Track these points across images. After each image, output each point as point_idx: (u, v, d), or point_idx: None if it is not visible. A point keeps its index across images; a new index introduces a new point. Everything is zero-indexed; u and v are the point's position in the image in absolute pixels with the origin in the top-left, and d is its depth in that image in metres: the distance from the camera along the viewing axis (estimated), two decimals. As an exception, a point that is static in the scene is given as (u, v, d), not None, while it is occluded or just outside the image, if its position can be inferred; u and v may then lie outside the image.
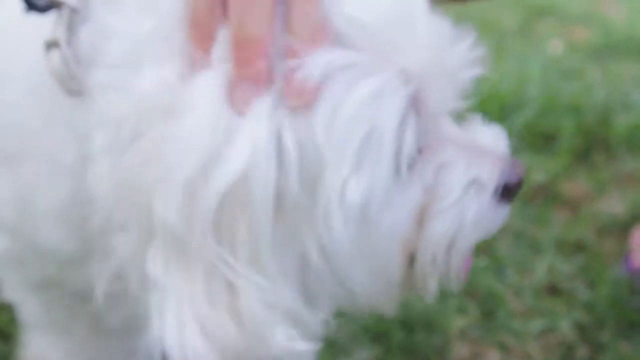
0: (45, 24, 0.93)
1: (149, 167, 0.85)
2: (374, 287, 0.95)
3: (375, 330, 1.54)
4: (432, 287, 0.99)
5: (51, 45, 0.91)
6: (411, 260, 0.96)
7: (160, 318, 0.88)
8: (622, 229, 1.85)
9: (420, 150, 0.93)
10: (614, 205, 1.93)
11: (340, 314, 1.52)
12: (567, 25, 2.93)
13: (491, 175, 0.97)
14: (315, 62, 0.85)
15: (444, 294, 1.59)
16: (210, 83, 0.85)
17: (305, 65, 0.85)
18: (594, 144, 2.13)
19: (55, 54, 0.91)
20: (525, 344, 1.54)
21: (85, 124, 0.92)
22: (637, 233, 1.77)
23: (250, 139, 0.84)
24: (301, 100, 0.85)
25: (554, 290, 1.69)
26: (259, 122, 0.84)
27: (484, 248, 1.75)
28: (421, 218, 0.94)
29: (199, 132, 0.84)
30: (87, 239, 1.00)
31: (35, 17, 0.93)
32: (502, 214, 0.99)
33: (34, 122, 0.98)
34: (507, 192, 0.98)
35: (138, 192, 0.86)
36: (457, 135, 0.98)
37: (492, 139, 1.00)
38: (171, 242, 0.86)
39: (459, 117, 0.99)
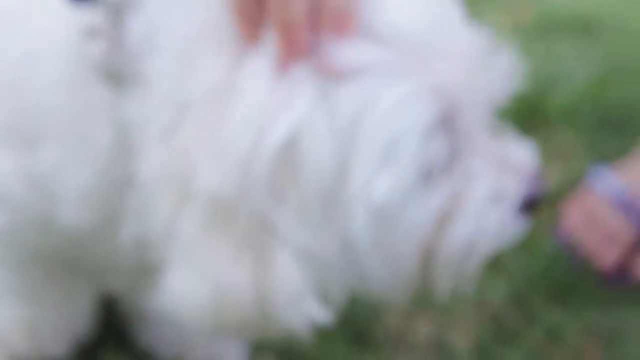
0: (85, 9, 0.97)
1: (204, 140, 0.90)
2: (390, 279, 0.98)
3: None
4: (445, 286, 1.02)
5: (92, 32, 0.96)
6: (427, 260, 0.99)
7: (175, 272, 0.93)
8: (557, 202, 1.86)
9: (451, 161, 0.97)
10: (548, 178, 1.94)
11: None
12: (512, 3, 2.93)
13: (516, 189, 1.01)
14: (349, 50, 0.91)
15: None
16: (259, 64, 0.90)
17: (341, 50, 0.91)
18: (533, 119, 2.14)
19: (95, 42, 0.97)
20: (458, 313, 1.55)
21: (129, 111, 0.96)
22: (568, 206, 1.79)
23: (298, 109, 0.89)
24: (337, 77, 0.90)
25: (486, 261, 1.69)
26: (305, 95, 0.90)
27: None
28: (443, 222, 0.98)
29: (250, 108, 0.89)
30: (113, 217, 1.03)
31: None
32: (521, 225, 1.03)
33: (65, 107, 1.01)
34: (528, 204, 1.02)
35: (186, 162, 0.91)
36: (488, 147, 1.01)
37: (521, 153, 1.05)
38: (211, 208, 0.90)
39: (494, 126, 1.03)
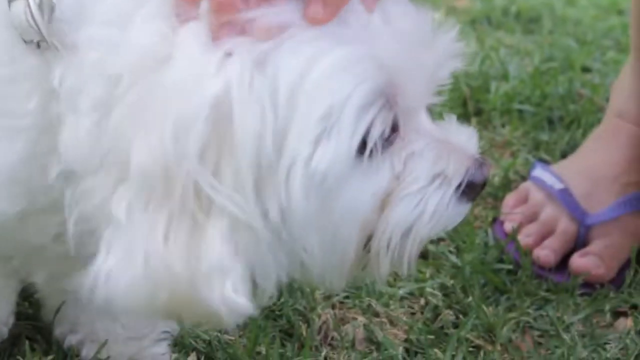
0: None
1: (135, 116, 0.89)
2: (327, 261, 0.97)
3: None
4: (384, 271, 1.02)
5: None
6: (368, 242, 0.99)
7: (107, 252, 0.91)
8: (494, 195, 1.85)
9: (391, 139, 0.96)
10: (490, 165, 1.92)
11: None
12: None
13: (458, 171, 1.01)
14: (284, 16, 0.90)
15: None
16: (192, 32, 0.90)
17: (275, 16, 0.90)
18: (470, 111, 2.14)
19: (19, 5, 0.95)
20: (390, 308, 1.53)
21: (58, 80, 0.94)
22: (508, 199, 1.78)
23: (231, 76, 0.88)
24: (271, 44, 0.90)
25: (422, 255, 1.67)
26: (237, 62, 0.88)
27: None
28: (385, 203, 0.97)
29: (182, 76, 0.88)
30: (37, 196, 1.01)
31: None
32: (462, 210, 1.03)
33: None
34: (470, 190, 1.01)
35: (120, 141, 0.89)
36: (431, 129, 1.01)
37: (464, 137, 1.04)
38: (142, 184, 0.89)
39: (434, 115, 1.02)
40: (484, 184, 1.03)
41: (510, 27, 2.70)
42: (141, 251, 0.90)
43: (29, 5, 0.95)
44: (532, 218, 1.71)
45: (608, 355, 1.48)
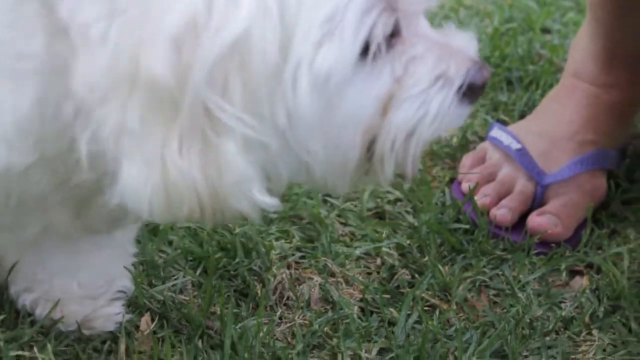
0: None
1: (139, 29, 0.90)
2: (332, 164, 1.00)
3: (194, 254, 1.50)
4: (387, 173, 1.04)
5: None
6: (371, 146, 1.01)
7: (126, 164, 0.93)
8: (451, 155, 1.84)
9: (392, 43, 0.99)
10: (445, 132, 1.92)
11: (155, 236, 1.48)
12: None
13: (458, 72, 1.02)
14: None
15: (265, 219, 1.57)
16: None
17: None
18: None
19: None
20: (346, 268, 1.53)
21: (65, 16, 0.94)
22: (465, 159, 1.77)
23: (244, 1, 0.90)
24: None
25: (379, 215, 1.67)
26: None
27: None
28: (387, 107, 1.00)
29: None
30: (48, 144, 1.02)
31: None
32: (463, 112, 1.05)
33: None
34: (471, 91, 1.03)
35: (129, 54, 0.91)
36: (430, 34, 1.03)
37: (464, 41, 1.06)
38: (154, 95, 0.91)
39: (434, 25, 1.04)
40: (483, 86, 1.05)
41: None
42: (158, 159, 0.93)
43: None
44: (490, 178, 1.71)
45: (563, 314, 1.48)
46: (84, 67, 0.94)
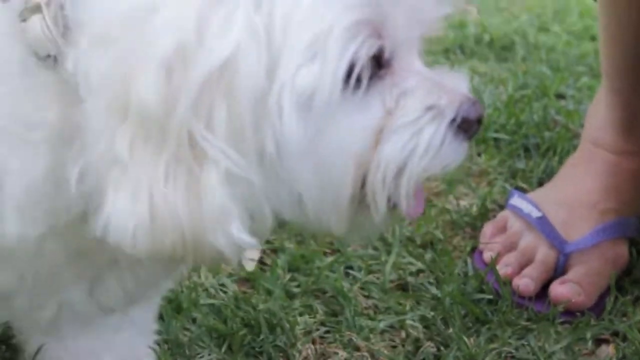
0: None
1: (130, 56, 0.91)
2: (324, 197, 0.98)
3: (219, 331, 1.50)
4: (381, 209, 1.00)
5: (32, 11, 0.97)
6: (364, 180, 0.99)
7: (115, 191, 0.92)
8: (472, 225, 1.85)
9: (382, 75, 0.98)
10: (465, 201, 1.93)
11: (178, 314, 1.47)
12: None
13: (451, 104, 1.00)
14: None
15: (289, 294, 1.57)
16: None
17: None
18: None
19: (35, 20, 0.97)
20: (371, 342, 1.52)
21: (73, 71, 0.95)
22: (486, 228, 1.78)
23: (233, 26, 0.91)
24: None
25: (402, 287, 1.67)
26: (236, 10, 0.91)
27: (330, 245, 1.73)
28: (378, 140, 0.98)
29: (175, 17, 0.91)
30: (60, 213, 1.02)
31: None
32: (460, 149, 1.02)
33: (7, 98, 0.99)
34: (466, 126, 1.01)
35: (119, 84, 0.91)
36: (423, 70, 1.02)
37: (456, 80, 1.04)
38: (142, 123, 0.91)
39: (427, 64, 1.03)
40: (479, 121, 1.02)
41: (484, 56, 2.72)
42: (145, 189, 0.92)
43: (45, 20, 0.97)
44: (511, 247, 1.71)
45: (591, 383, 1.48)
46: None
